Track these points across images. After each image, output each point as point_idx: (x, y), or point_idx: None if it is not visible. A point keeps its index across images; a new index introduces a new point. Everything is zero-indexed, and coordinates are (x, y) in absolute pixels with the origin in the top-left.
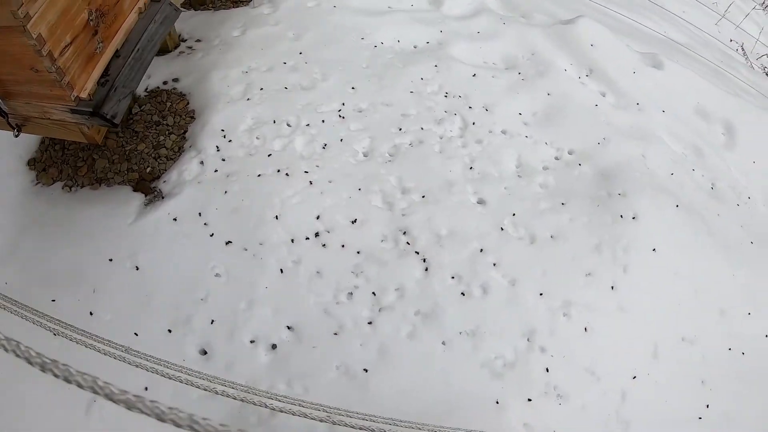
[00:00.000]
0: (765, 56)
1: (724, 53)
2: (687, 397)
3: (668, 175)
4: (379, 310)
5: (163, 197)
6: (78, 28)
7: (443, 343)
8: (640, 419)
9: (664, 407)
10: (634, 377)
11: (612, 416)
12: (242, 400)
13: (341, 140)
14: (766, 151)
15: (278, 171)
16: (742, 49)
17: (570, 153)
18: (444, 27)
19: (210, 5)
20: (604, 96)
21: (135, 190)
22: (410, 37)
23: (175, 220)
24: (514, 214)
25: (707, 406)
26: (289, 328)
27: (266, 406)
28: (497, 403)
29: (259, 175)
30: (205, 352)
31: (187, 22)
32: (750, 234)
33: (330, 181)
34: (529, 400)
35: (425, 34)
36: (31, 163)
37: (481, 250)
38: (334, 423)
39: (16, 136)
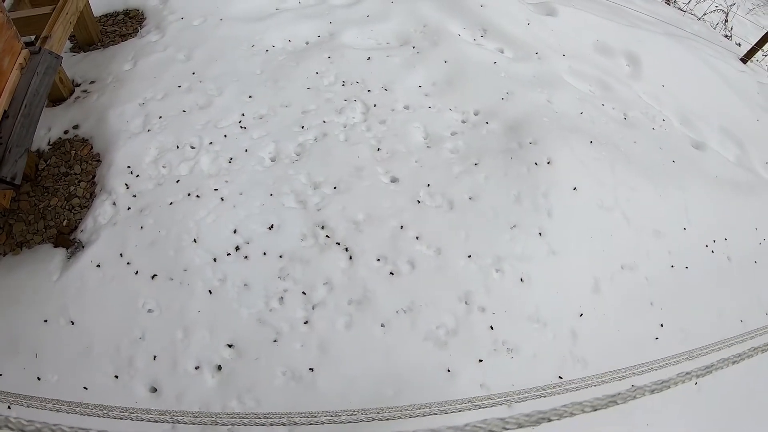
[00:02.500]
0: None
1: None
2: (639, 321)
3: (578, 115)
4: (313, 308)
5: (83, 247)
6: None
7: (382, 325)
8: (596, 354)
9: (618, 337)
10: (581, 315)
11: (567, 357)
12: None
13: (246, 150)
14: (672, 74)
15: (188, 195)
16: None
17: (476, 114)
18: (333, 17)
19: (99, 44)
20: (502, 52)
21: (56, 246)
22: (301, 34)
23: (98, 266)
24: (428, 185)
25: (661, 326)
26: (229, 345)
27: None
28: (448, 371)
29: (170, 203)
30: (155, 389)
31: (79, 66)
32: (670, 153)
33: (241, 193)
34: (480, 360)
35: (315, 28)
36: None
37: (402, 227)
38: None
39: None
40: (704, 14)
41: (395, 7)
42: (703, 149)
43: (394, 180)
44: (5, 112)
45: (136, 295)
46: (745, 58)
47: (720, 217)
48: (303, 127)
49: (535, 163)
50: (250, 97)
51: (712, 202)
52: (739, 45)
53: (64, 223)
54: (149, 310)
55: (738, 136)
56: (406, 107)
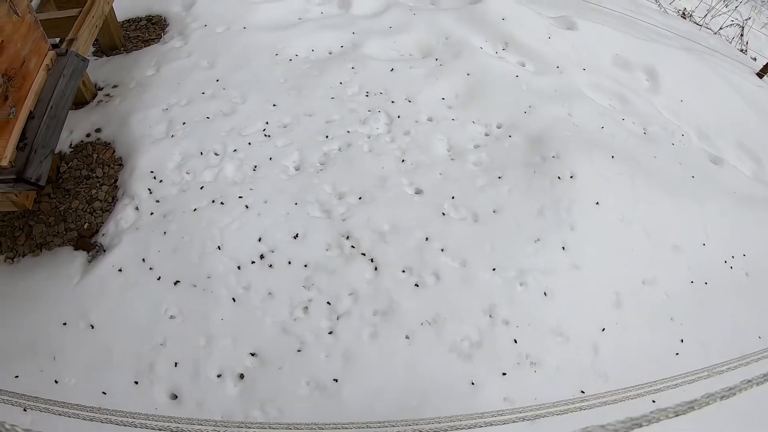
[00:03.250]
0: None
1: (636, 3)
2: (659, 336)
3: (598, 129)
4: (337, 318)
5: (104, 250)
6: None
7: (407, 336)
8: (617, 368)
9: (638, 352)
10: (603, 329)
11: (589, 371)
12: None
13: (270, 159)
14: (690, 89)
15: (213, 201)
16: None
17: (498, 127)
18: (356, 28)
19: (122, 48)
20: (523, 66)
21: (76, 249)
22: (324, 44)
23: (120, 270)
24: (453, 197)
25: (681, 341)
26: (252, 354)
27: None
28: (473, 384)
29: (194, 210)
30: (176, 396)
31: (102, 70)
32: (689, 168)
33: (265, 202)
34: (504, 374)
35: (338, 38)
36: None
37: (427, 239)
38: None
39: None
40: (720, 29)
41: (417, 19)
42: (720, 164)
43: (418, 191)
44: (31, 112)
45: (158, 301)
46: (762, 73)
47: (738, 233)
48: (327, 136)
49: (558, 177)
50: (274, 105)
51: (730, 218)
52: (755, 59)
53: (85, 226)
54: (171, 317)
55: (754, 150)
56: (430, 119)
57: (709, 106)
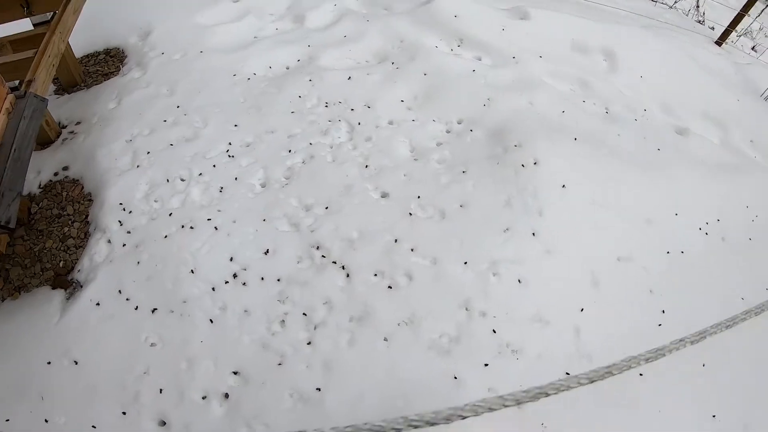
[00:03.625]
0: None
1: None
2: (640, 311)
3: (560, 114)
4: (314, 328)
5: (81, 286)
6: None
7: (385, 339)
8: (601, 347)
9: (620, 329)
10: (582, 310)
11: (573, 353)
12: None
13: (236, 179)
14: (649, 65)
15: (182, 227)
16: None
17: (459, 123)
18: (311, 41)
19: (82, 84)
20: (480, 60)
21: (54, 288)
22: (280, 60)
23: (98, 305)
24: (418, 197)
25: (663, 312)
26: (234, 373)
27: None
28: (455, 378)
29: (165, 237)
30: (164, 423)
31: (64, 108)
32: (654, 142)
33: (234, 221)
34: (486, 365)
35: (294, 53)
36: None
37: (396, 241)
38: None
39: None
40: (675, 2)
41: (371, 25)
42: (686, 135)
43: (384, 195)
44: None
45: (137, 330)
46: (720, 41)
47: (710, 199)
48: (290, 151)
49: (522, 165)
50: (235, 125)
51: (701, 186)
52: (713, 29)
53: (61, 265)
54: (152, 344)
55: (720, 118)
56: (390, 122)
57: (669, 80)
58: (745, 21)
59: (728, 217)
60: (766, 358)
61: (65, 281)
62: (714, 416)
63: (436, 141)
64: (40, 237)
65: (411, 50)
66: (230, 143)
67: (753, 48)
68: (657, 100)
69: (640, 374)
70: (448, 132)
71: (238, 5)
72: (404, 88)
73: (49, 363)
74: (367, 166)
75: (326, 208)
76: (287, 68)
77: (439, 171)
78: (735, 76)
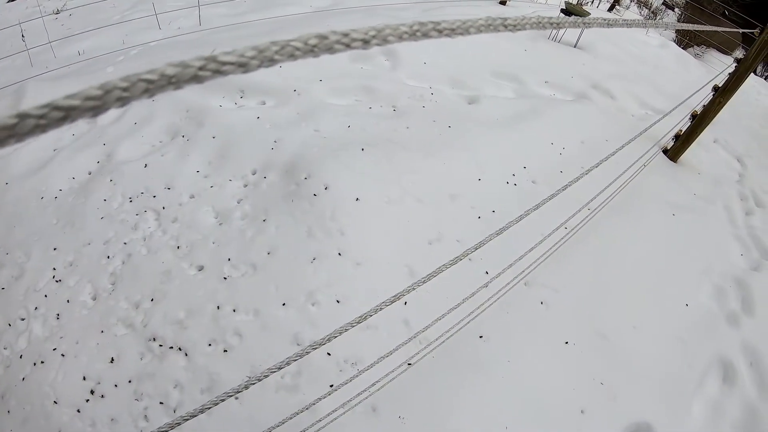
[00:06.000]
0: None
1: None
2: (464, 279)
3: (346, 129)
4: (174, 411)
5: None
6: None
7: (236, 398)
8: (434, 329)
9: (446, 304)
10: (405, 303)
11: (410, 345)
12: None
13: (68, 301)
14: (431, 50)
15: (34, 364)
16: None
17: (254, 173)
18: (105, 138)
19: None
20: (264, 104)
21: None
22: (81, 167)
23: None
24: (229, 259)
25: (486, 273)
26: None
27: None
28: (307, 408)
29: (23, 379)
30: None
31: None
32: (445, 121)
33: (77, 342)
34: (331, 385)
35: (92, 155)
36: None
37: (218, 307)
38: None
39: None
40: None
41: (157, 104)
42: (478, 102)
43: (200, 268)
44: None
45: None
46: (503, 0)
47: (511, 152)
48: (108, 257)
49: (314, 194)
50: (54, 249)
51: (498, 143)
52: None
53: None
54: None
55: (510, 72)
56: (192, 196)
57: (453, 56)
58: None
59: (535, 161)
60: (599, 280)
61: None
62: (567, 342)
63: (236, 198)
64: None
65: (198, 117)
66: (54, 268)
67: None
68: (444, 79)
69: (480, 336)
70: (245, 186)
71: None
72: (198, 158)
73: None
74: (179, 247)
75: (152, 300)
76: (89, 173)
77: (243, 227)
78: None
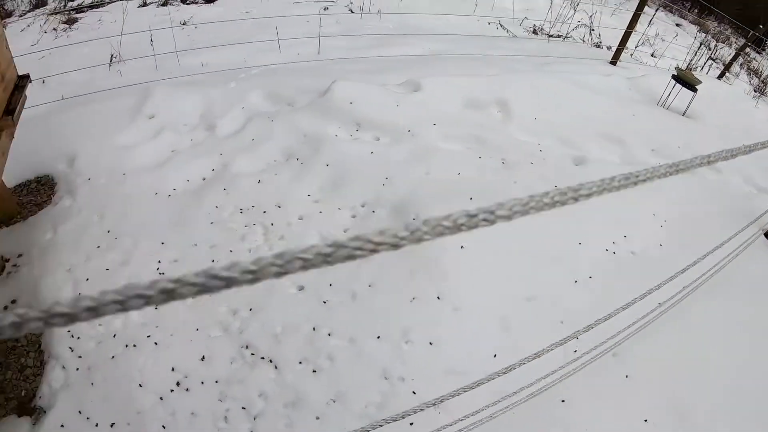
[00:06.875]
0: (525, 18)
1: (486, 37)
2: (552, 341)
3: (456, 177)
4: (254, 419)
5: (45, 412)
6: None
7: (317, 418)
8: (516, 384)
9: (534, 363)
10: (495, 356)
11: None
12: None
13: None
14: (542, 104)
15: (126, 346)
16: (501, 25)
17: (363, 206)
18: (222, 149)
19: (19, 216)
20: (378, 140)
21: (20, 416)
22: (197, 172)
23: (62, 426)
24: (330, 284)
25: (577, 338)
26: None
27: None
28: None
29: (113, 357)
30: None
31: (5, 241)
32: (552, 180)
33: (171, 335)
34: (411, 424)
35: (209, 163)
36: None
37: (314, 329)
38: None
39: None
40: (567, 35)
41: (276, 125)
42: (584, 163)
43: (300, 288)
44: None
45: None
46: (614, 60)
47: (614, 219)
48: (213, 260)
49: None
50: (162, 243)
51: (601, 209)
52: (610, 48)
53: (23, 394)
54: None
55: (617, 135)
56: (300, 218)
57: (563, 113)
58: (641, 30)
59: (635, 231)
60: (685, 361)
61: (29, 408)
62: (646, 420)
63: (343, 227)
64: (0, 369)
65: (314, 143)
66: (159, 261)
67: (652, 54)
68: (553, 136)
69: (562, 401)
70: (353, 217)
71: (154, 121)
72: (310, 182)
73: None
74: None
75: (251, 309)
76: (204, 179)
77: None
78: (629, 92)
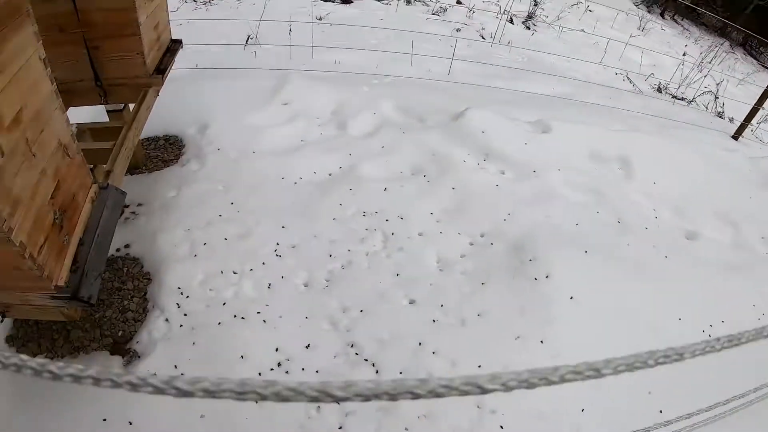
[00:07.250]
0: (651, 75)
1: (612, 89)
2: (638, 411)
3: (573, 226)
4: (346, 416)
5: (139, 356)
6: (48, 228)
7: (405, 429)
8: None
9: (620, 428)
10: (583, 410)
11: None
12: None
13: (282, 277)
14: (663, 169)
15: (234, 317)
16: (628, 78)
17: (482, 236)
18: (352, 149)
19: (143, 167)
20: (503, 174)
21: (112, 354)
22: (324, 166)
23: (154, 375)
24: (442, 305)
25: (660, 412)
26: None
27: None
28: None
29: (219, 323)
30: None
31: (126, 188)
32: (663, 250)
33: (280, 316)
34: None
35: (336, 160)
36: (9, 340)
37: (420, 344)
38: None
39: (1, 322)
40: (693, 99)
41: (406, 138)
42: (696, 238)
43: (412, 302)
44: (81, 239)
45: (190, 403)
46: (737, 135)
47: (715, 301)
48: (331, 255)
49: (535, 279)
50: (283, 227)
51: (706, 289)
52: (732, 120)
53: (119, 334)
54: (201, 416)
55: (732, 217)
56: (420, 234)
57: (682, 183)
58: (766, 106)
59: (733, 318)
60: None
61: (123, 349)
62: None
63: (460, 253)
64: (101, 306)
65: (442, 164)
66: (278, 243)
67: None
68: (669, 204)
69: None
70: (471, 245)
71: (288, 108)
72: (434, 201)
73: (104, 420)
74: (398, 275)
75: (361, 311)
76: (330, 174)
77: (462, 282)
78: (749, 173)
